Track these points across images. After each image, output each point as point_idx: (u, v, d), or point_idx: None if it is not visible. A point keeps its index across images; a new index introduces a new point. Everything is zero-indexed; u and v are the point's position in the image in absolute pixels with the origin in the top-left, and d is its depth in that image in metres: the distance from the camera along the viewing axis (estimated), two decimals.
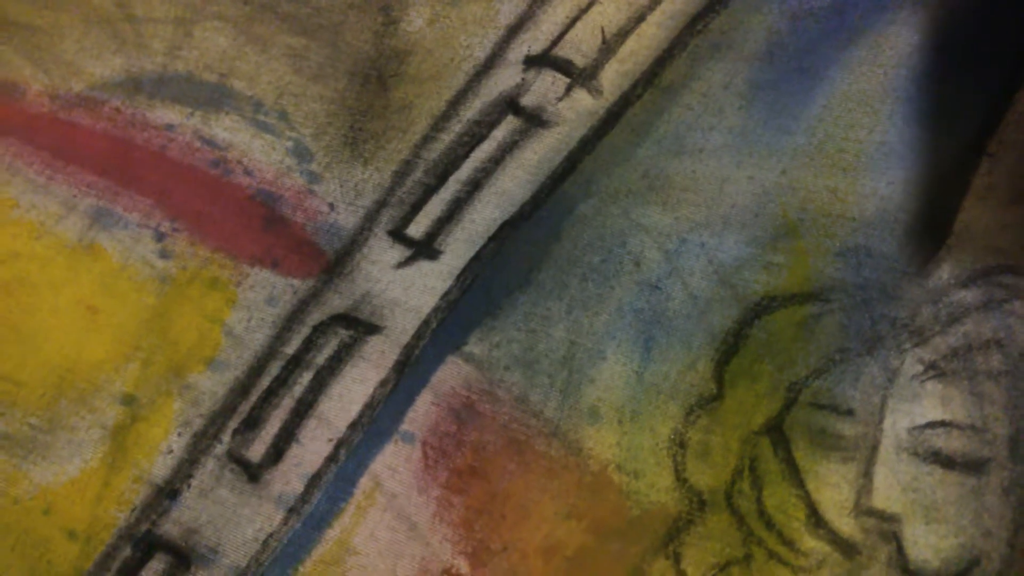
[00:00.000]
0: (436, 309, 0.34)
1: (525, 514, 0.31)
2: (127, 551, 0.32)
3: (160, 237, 0.38)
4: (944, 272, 0.32)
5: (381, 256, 0.36)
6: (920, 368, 0.31)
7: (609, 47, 0.36)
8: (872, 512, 0.29)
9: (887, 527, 0.29)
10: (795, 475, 0.30)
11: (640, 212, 0.35)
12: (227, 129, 0.39)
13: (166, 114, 0.39)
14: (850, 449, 0.30)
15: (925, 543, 0.28)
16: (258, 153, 0.38)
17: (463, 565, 0.31)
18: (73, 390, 0.36)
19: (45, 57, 0.42)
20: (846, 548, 0.29)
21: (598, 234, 0.35)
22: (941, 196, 0.33)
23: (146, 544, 0.32)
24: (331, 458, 0.32)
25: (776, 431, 0.31)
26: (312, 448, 0.33)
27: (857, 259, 0.33)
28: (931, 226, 0.33)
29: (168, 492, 0.33)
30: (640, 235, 0.35)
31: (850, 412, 0.31)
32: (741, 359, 0.32)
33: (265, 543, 0.31)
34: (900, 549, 0.29)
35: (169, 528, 0.32)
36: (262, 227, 0.38)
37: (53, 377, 0.36)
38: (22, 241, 0.39)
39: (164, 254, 0.37)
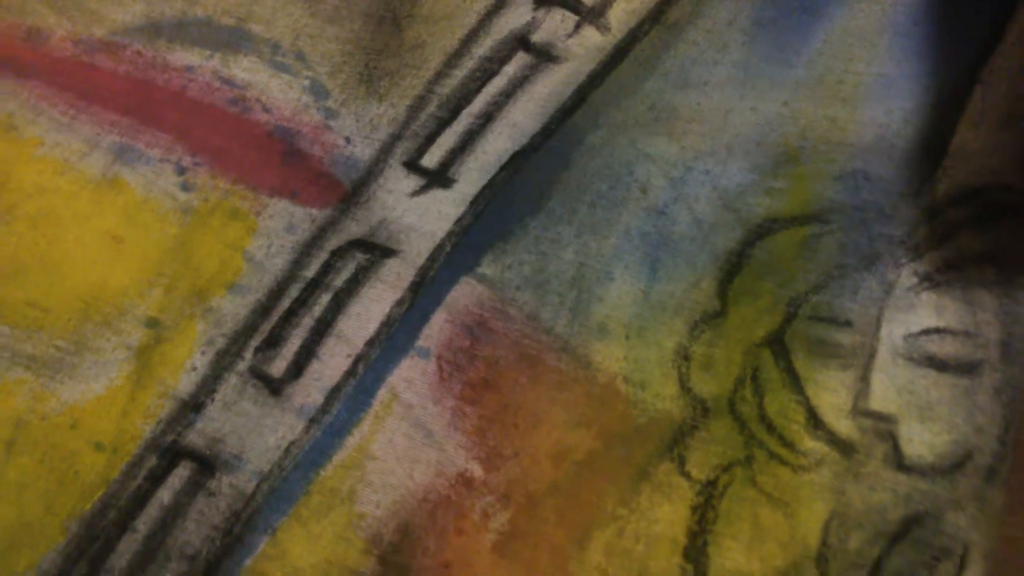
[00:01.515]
0: (450, 234, 0.38)
1: (536, 423, 0.35)
2: (153, 460, 0.35)
3: (181, 171, 0.41)
4: (939, 192, 0.35)
5: (396, 185, 0.39)
6: (915, 280, 0.34)
7: None
8: (869, 413, 0.32)
9: (883, 427, 0.32)
10: (795, 382, 0.33)
11: (647, 142, 0.38)
12: (245, 70, 0.42)
13: (186, 56, 0.43)
14: (848, 357, 0.33)
15: (920, 440, 0.32)
16: (276, 92, 0.42)
17: (476, 469, 0.34)
18: (98, 315, 0.39)
19: (68, 5, 0.45)
20: (844, 447, 0.32)
21: (606, 163, 0.38)
22: (936, 122, 0.36)
23: (172, 453, 0.35)
24: (350, 372, 0.36)
25: (777, 343, 0.34)
26: (332, 363, 0.36)
27: (856, 182, 0.36)
28: (927, 150, 0.36)
29: (193, 406, 0.36)
30: (647, 164, 0.38)
31: (848, 323, 0.34)
32: (744, 277, 0.35)
33: (287, 450, 0.35)
34: (896, 447, 0.32)
35: (194, 438, 0.35)
36: (280, 161, 0.41)
37: (79, 303, 0.39)
38: (47, 177, 0.42)
39: (186, 187, 0.41)
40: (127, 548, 0.35)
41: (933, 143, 0.37)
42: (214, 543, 0.35)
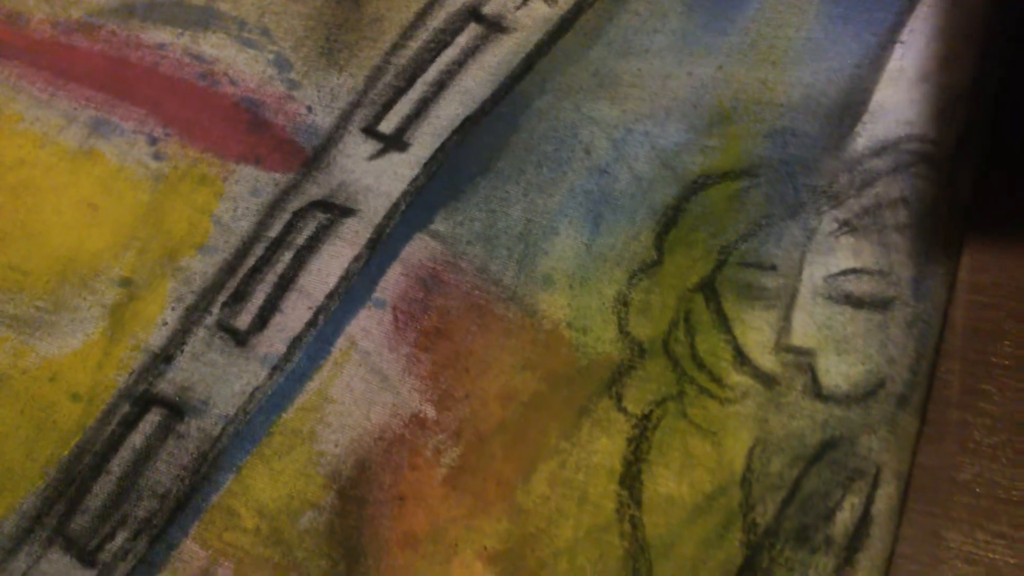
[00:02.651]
0: (405, 193, 0.41)
1: (485, 367, 0.38)
2: (126, 408, 0.39)
3: (153, 141, 0.45)
4: (859, 145, 0.39)
5: (355, 150, 0.43)
6: (835, 226, 0.38)
7: None
8: (790, 349, 0.36)
9: (803, 360, 0.36)
10: (724, 323, 0.37)
11: (590, 106, 0.42)
12: (214, 46, 0.46)
13: (158, 35, 0.47)
14: (772, 298, 0.37)
15: (836, 371, 0.35)
16: (242, 65, 0.46)
17: (430, 410, 0.38)
18: (75, 276, 0.43)
19: None
20: (767, 380, 0.36)
21: (552, 126, 0.42)
22: (858, 81, 0.40)
23: (144, 401, 0.39)
24: (311, 323, 0.39)
25: (708, 287, 0.38)
26: (293, 316, 0.40)
27: (783, 139, 0.40)
28: (849, 107, 0.40)
29: (163, 357, 0.40)
30: (590, 126, 0.42)
31: (773, 267, 0.38)
32: (679, 229, 0.39)
33: (252, 395, 0.38)
34: (814, 378, 0.36)
35: (164, 387, 0.39)
36: (246, 130, 0.45)
37: (57, 266, 0.43)
38: (27, 150, 0.46)
39: (157, 156, 0.45)
40: (102, 489, 0.39)
41: (854, 100, 0.41)
42: (183, 482, 0.39)
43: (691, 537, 0.37)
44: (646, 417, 0.39)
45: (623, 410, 0.39)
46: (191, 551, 0.39)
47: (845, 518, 0.36)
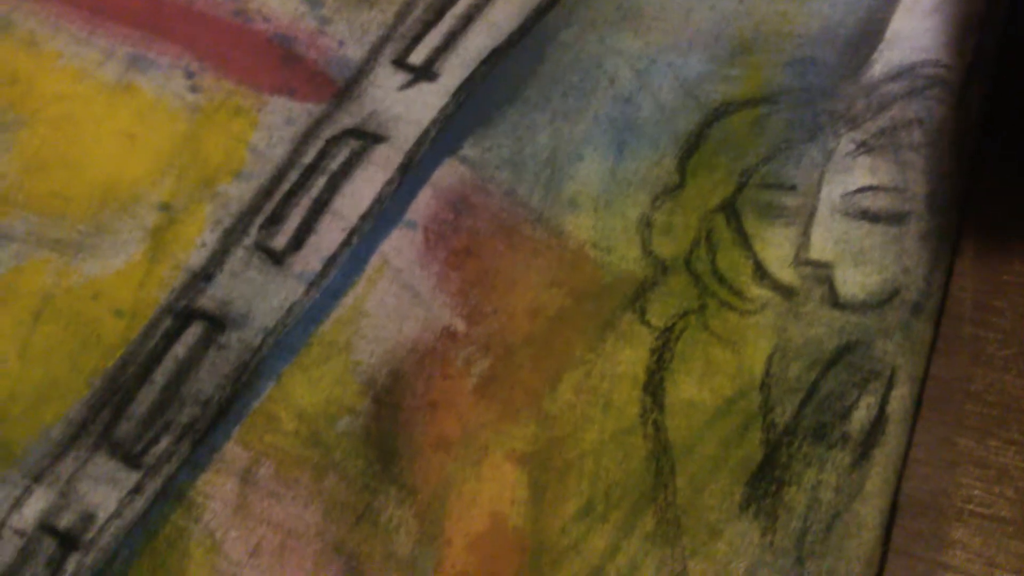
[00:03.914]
0: (434, 121, 0.44)
1: (513, 285, 0.41)
2: (168, 322, 0.42)
3: (189, 75, 0.48)
4: (876, 71, 0.42)
5: (385, 81, 0.46)
6: (853, 147, 0.41)
7: None
8: (808, 262, 0.39)
9: (821, 272, 0.39)
10: (744, 240, 0.40)
11: (615, 38, 0.45)
12: None
13: None
14: (791, 216, 0.40)
15: (853, 282, 0.38)
16: (274, 3, 0.49)
17: (460, 324, 0.41)
18: (115, 202, 0.46)
19: None
20: (786, 292, 0.39)
21: (577, 57, 0.45)
22: (875, 12, 0.43)
23: (185, 315, 0.42)
24: (345, 243, 0.43)
25: (729, 208, 0.41)
26: (328, 236, 0.43)
27: (803, 68, 0.43)
28: (866, 36, 0.43)
29: (203, 276, 0.43)
30: (614, 58, 0.45)
31: (792, 187, 0.40)
32: (701, 154, 0.42)
33: (290, 310, 0.42)
34: (832, 288, 0.39)
35: (205, 302, 0.42)
36: (279, 64, 0.48)
37: (97, 192, 0.46)
38: (66, 84, 0.49)
39: (193, 89, 0.48)
40: (146, 397, 0.42)
41: (871, 30, 0.44)
42: (225, 389, 0.42)
43: (712, 438, 0.40)
44: (668, 329, 0.42)
45: (646, 323, 0.42)
46: (233, 452, 0.42)
47: (861, 416, 0.38)
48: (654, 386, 0.42)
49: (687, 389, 0.41)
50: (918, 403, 0.40)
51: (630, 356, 0.43)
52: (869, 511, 0.37)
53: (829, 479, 0.38)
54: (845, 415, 0.39)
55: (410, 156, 0.48)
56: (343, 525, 0.41)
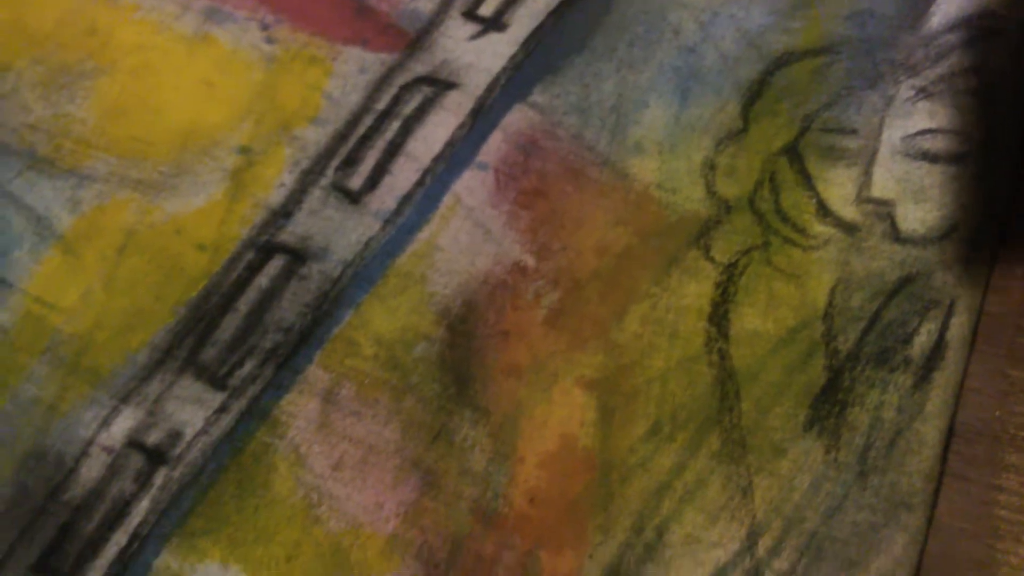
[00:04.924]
0: (504, 69, 0.47)
1: (580, 223, 0.44)
2: (251, 255, 0.45)
3: (265, 27, 0.51)
4: (934, 23, 0.45)
5: (456, 32, 0.49)
6: (912, 93, 0.43)
7: None
8: (870, 200, 0.42)
9: (883, 209, 0.42)
10: (807, 181, 0.43)
11: None
12: None
13: None
14: (853, 158, 0.43)
15: (914, 217, 0.41)
16: None
17: (530, 260, 0.44)
18: (196, 145, 0.49)
19: None
20: (848, 228, 0.42)
21: (642, 8, 0.48)
22: None
23: (267, 249, 0.45)
24: (418, 183, 0.46)
25: (792, 151, 0.44)
26: (402, 177, 0.46)
27: (862, 20, 0.46)
28: None
29: (283, 213, 0.46)
30: (678, 10, 0.48)
31: (854, 131, 0.43)
32: (763, 101, 0.45)
33: (367, 244, 0.45)
34: (893, 224, 0.41)
35: (286, 237, 0.46)
36: (352, 16, 0.51)
37: (177, 137, 0.50)
38: (145, 36, 0.53)
39: (269, 40, 0.51)
40: (230, 324, 0.45)
41: None
42: (306, 317, 0.45)
43: (776, 365, 0.43)
44: (732, 265, 0.45)
45: (711, 259, 0.45)
46: (315, 375, 0.45)
47: (922, 341, 0.41)
48: (719, 317, 0.44)
49: (751, 320, 0.44)
50: (973, 335, 0.43)
51: (695, 290, 0.45)
52: (930, 430, 0.40)
53: (891, 400, 0.41)
54: (907, 341, 0.42)
55: (481, 102, 0.51)
56: (420, 443, 0.44)
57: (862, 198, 0.45)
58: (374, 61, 0.53)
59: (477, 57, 0.52)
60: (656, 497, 0.41)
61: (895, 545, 0.38)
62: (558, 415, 0.44)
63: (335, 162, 0.51)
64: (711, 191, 0.48)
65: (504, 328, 0.46)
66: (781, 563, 0.38)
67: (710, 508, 0.40)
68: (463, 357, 0.45)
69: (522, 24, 0.52)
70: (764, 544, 0.39)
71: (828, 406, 0.41)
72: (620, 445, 0.42)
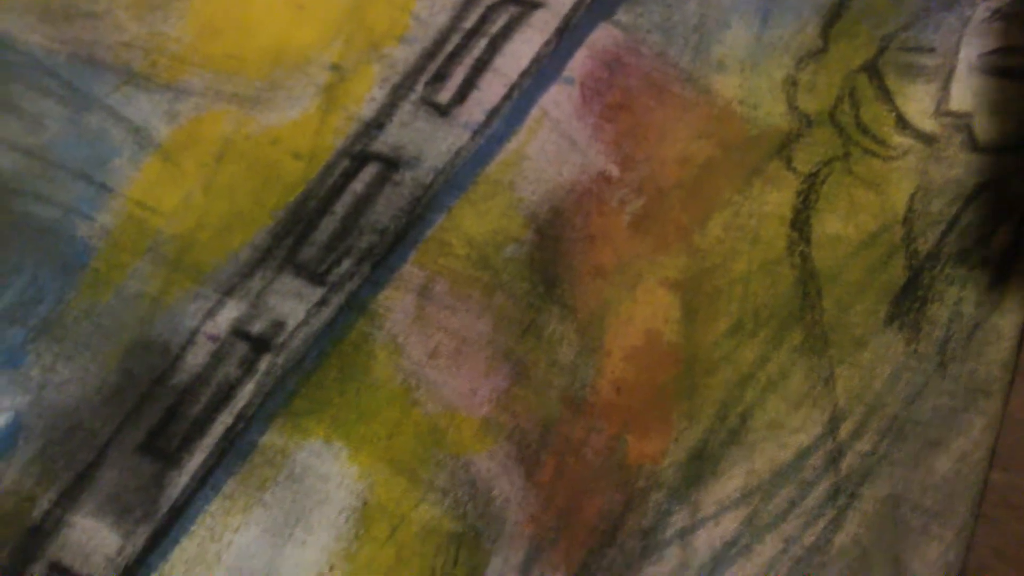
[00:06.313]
0: None
1: (663, 136, 0.48)
2: (345, 163, 0.49)
3: None
4: None
5: None
6: (988, 14, 0.46)
7: None
8: (948, 113, 0.45)
9: (961, 121, 0.45)
10: (886, 96, 0.46)
11: None
12: None
13: None
14: (931, 74, 0.46)
15: (991, 128, 0.44)
16: None
17: (614, 170, 0.47)
18: (288, 63, 0.53)
19: None
20: (927, 139, 0.45)
21: None
22: None
23: (361, 157, 0.49)
24: (506, 96, 0.49)
25: (872, 68, 0.47)
26: (490, 91, 0.49)
27: None
28: None
29: (375, 125, 0.50)
30: None
31: (932, 49, 0.46)
32: (843, 22, 0.48)
33: (457, 153, 0.48)
34: (971, 134, 0.44)
35: (379, 147, 0.49)
36: None
37: (269, 55, 0.53)
38: None
39: None
40: (327, 226, 0.49)
41: None
42: (400, 220, 0.49)
43: (857, 266, 0.46)
44: (814, 175, 0.48)
45: (792, 169, 0.48)
46: (411, 272, 0.48)
47: (1000, 241, 0.44)
48: (800, 223, 0.48)
49: (832, 225, 0.47)
50: None
51: (777, 198, 0.49)
52: (1007, 323, 0.43)
53: (970, 295, 0.44)
54: (984, 241, 0.45)
55: (567, 20, 0.54)
56: (511, 336, 0.47)
57: (940, 111, 0.49)
58: None
59: None
60: (739, 387, 0.44)
61: (974, 428, 0.41)
62: (643, 313, 0.47)
63: (424, 78, 0.55)
64: (792, 106, 0.51)
65: (590, 232, 0.49)
66: (863, 445, 0.42)
67: (793, 396, 0.44)
68: (551, 258, 0.49)
69: None
70: (846, 428, 0.42)
71: (908, 302, 0.44)
72: (704, 340, 0.46)
